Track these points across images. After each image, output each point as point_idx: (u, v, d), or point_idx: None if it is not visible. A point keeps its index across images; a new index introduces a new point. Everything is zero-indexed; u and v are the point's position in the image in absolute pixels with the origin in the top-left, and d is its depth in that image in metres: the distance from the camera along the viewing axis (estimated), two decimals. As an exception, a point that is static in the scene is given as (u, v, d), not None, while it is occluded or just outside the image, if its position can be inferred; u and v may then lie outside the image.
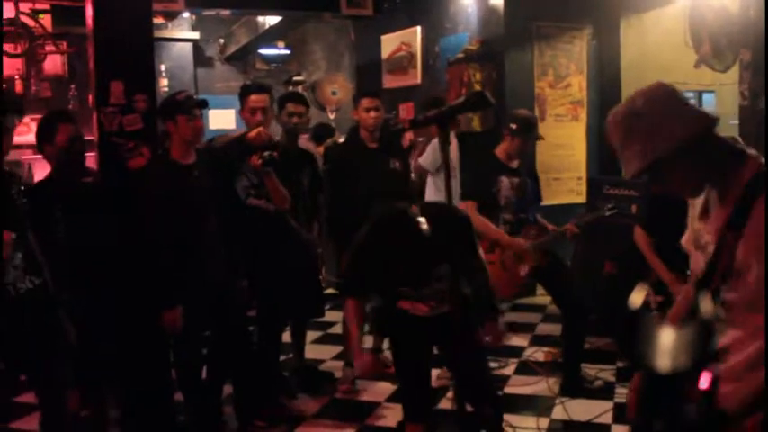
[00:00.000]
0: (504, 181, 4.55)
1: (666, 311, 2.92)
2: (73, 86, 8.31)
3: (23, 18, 6.96)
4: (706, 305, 1.83)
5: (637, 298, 1.88)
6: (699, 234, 1.88)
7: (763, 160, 1.79)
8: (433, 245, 2.92)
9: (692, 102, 1.90)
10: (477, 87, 6.91)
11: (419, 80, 8.12)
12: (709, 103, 7.18)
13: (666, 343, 1.76)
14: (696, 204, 1.94)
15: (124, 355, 3.74)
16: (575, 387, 4.56)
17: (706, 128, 1.75)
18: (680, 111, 1.74)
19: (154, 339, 3.74)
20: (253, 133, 3.82)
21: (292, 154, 4.45)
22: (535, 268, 4.52)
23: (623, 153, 1.78)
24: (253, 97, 4.18)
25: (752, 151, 1.82)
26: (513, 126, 4.54)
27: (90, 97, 3.96)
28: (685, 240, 2.00)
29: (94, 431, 3.64)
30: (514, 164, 4.62)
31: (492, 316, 3.33)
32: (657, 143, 1.71)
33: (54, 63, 8.01)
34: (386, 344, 5.17)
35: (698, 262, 1.87)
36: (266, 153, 3.79)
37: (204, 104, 3.74)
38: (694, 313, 1.82)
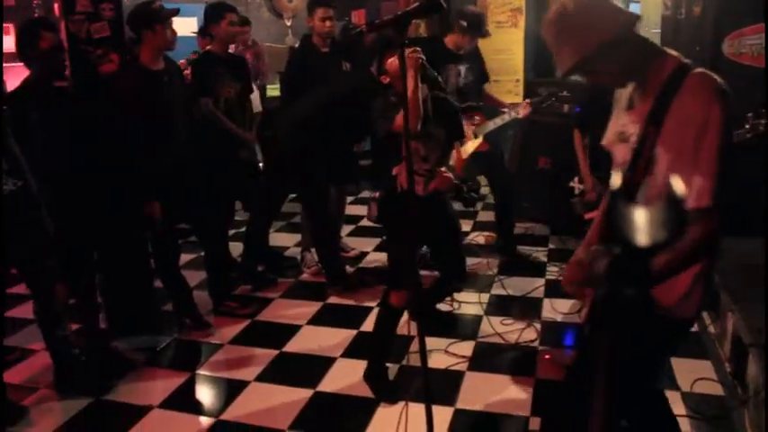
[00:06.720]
0: (452, 68, 4.45)
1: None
2: (37, -6, 7.75)
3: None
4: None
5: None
6: (624, 127, 1.84)
7: (683, 59, 1.75)
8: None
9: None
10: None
11: (371, -13, 7.84)
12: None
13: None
14: (621, 99, 1.91)
15: (106, 247, 3.70)
16: (509, 252, 4.79)
17: (629, 25, 1.72)
18: (606, 10, 1.71)
19: (133, 231, 3.72)
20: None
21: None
22: (477, 152, 4.56)
23: (557, 52, 1.75)
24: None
25: (672, 51, 1.78)
26: (464, 23, 4.41)
27: (56, 5, 3.71)
28: (605, 141, 1.96)
29: (83, 317, 3.62)
30: (461, 51, 4.53)
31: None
32: (586, 41, 1.68)
33: (16, -30, 7.42)
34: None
35: (622, 155, 1.83)
36: None
37: (176, 13, 3.58)
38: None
